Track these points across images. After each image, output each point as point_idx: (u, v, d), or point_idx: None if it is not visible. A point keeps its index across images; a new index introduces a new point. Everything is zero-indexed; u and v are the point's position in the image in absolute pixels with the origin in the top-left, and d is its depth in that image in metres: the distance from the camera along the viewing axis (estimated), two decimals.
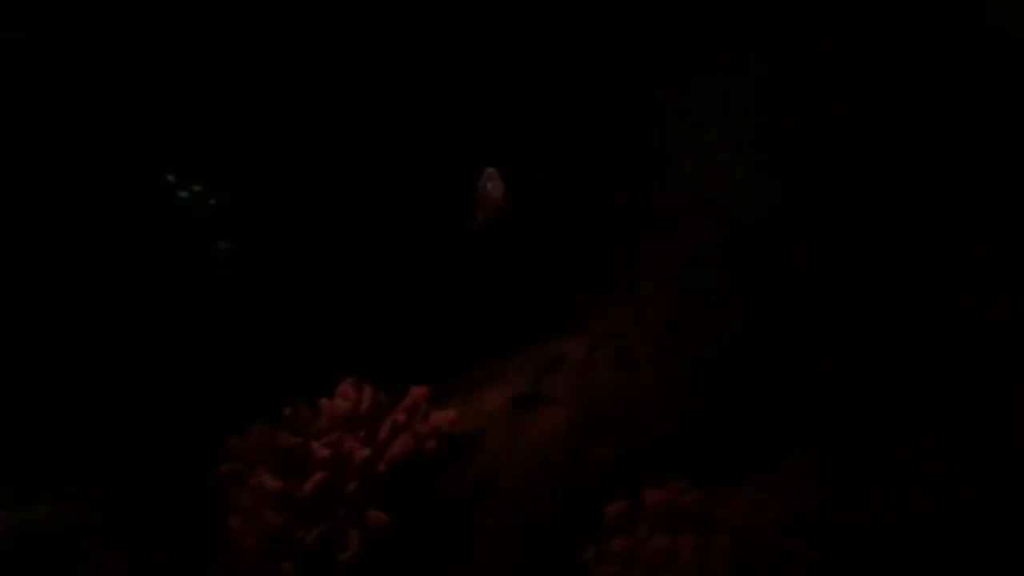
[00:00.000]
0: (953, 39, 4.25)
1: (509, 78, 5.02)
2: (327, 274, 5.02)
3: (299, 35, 5.15)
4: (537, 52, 4.97)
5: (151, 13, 4.95)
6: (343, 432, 3.39)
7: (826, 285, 3.93)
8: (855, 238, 4.01)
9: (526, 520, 2.82)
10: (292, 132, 5.19)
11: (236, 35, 5.09)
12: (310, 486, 3.05)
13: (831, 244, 4.01)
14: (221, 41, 5.07)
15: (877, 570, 3.06)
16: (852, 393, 3.41)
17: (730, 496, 3.11)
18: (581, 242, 4.64)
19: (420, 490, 3.16)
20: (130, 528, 4.09)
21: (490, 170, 3.97)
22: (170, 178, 4.99)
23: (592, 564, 2.92)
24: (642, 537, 2.81)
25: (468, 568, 2.80)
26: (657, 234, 4.40)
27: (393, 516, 3.07)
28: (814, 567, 2.93)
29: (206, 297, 5.04)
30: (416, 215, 4.97)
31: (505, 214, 3.78)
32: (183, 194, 4.92)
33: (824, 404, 3.29)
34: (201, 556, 3.71)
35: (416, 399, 3.66)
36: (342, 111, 5.23)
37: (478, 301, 4.62)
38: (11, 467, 4.57)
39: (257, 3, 5.08)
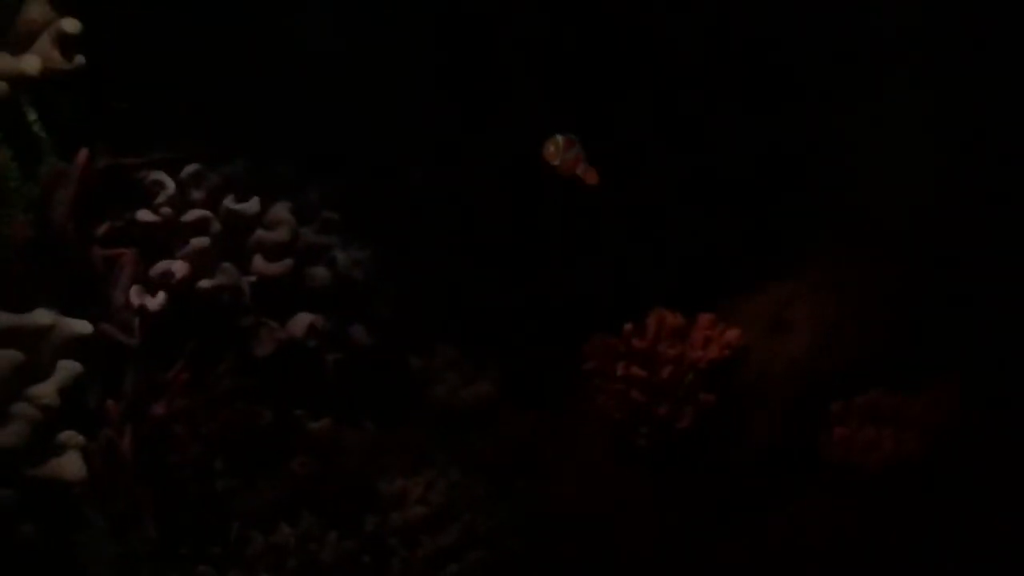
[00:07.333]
0: None
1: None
2: None
3: None
4: None
5: None
6: (672, 341, 4.42)
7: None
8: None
9: (784, 408, 3.97)
10: None
11: None
12: (665, 374, 4.32)
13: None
14: None
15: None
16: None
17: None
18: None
19: (722, 383, 4.25)
20: None
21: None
22: None
23: (821, 446, 3.89)
24: (854, 428, 3.97)
25: (757, 434, 3.91)
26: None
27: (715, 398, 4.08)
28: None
29: None
30: None
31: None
32: None
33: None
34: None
35: (710, 320, 4.45)
36: None
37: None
38: None
39: None
